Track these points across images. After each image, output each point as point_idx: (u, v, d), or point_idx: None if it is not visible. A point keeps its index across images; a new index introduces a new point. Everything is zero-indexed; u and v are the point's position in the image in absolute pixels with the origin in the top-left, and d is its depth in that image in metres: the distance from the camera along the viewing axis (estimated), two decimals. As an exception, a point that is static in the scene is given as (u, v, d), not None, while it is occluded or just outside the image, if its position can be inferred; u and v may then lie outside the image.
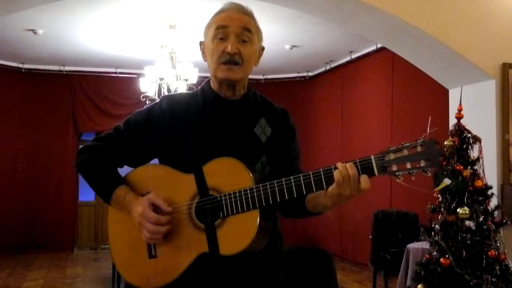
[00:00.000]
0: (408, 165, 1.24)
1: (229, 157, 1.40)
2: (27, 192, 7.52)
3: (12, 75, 7.47)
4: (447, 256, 2.99)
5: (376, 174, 1.26)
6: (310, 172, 1.31)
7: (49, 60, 7.31)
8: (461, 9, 3.78)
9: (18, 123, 7.55)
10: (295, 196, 1.33)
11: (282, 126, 1.58)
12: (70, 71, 7.71)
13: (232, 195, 1.36)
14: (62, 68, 7.66)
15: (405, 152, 1.25)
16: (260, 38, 1.57)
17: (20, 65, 7.51)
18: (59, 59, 7.21)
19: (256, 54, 1.55)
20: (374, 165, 1.26)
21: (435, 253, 3.09)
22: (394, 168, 1.25)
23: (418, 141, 1.24)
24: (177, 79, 5.66)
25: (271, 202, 1.34)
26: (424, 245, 3.31)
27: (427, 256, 3.16)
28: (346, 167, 1.26)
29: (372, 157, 1.26)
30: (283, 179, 1.33)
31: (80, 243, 7.87)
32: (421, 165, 1.24)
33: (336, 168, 1.28)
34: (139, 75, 6.56)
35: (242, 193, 1.35)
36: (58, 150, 7.51)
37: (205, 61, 1.57)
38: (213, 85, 1.56)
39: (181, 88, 5.60)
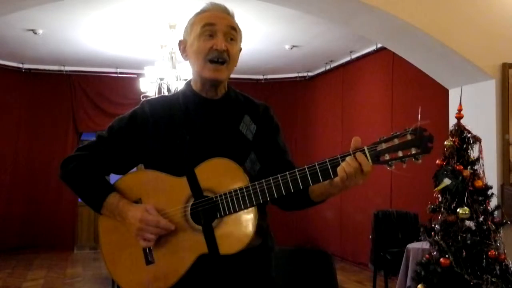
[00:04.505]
0: (400, 154, 1.28)
1: (221, 157, 1.40)
2: (27, 192, 7.53)
3: (12, 75, 7.47)
4: (447, 256, 2.99)
5: (370, 163, 1.29)
6: (306, 167, 1.34)
7: (49, 60, 7.31)
8: (461, 9, 3.78)
9: (18, 123, 7.55)
10: (292, 191, 1.34)
11: (266, 122, 1.58)
12: (70, 71, 7.72)
13: (228, 195, 1.36)
14: (62, 68, 7.66)
15: (396, 141, 1.28)
16: (241, 39, 1.57)
17: (20, 65, 7.51)
18: (59, 59, 7.21)
19: (239, 54, 1.56)
20: (368, 155, 1.29)
21: (435, 253, 3.09)
22: (387, 157, 1.29)
23: (407, 130, 1.28)
24: (177, 79, 5.66)
25: (268, 199, 1.35)
26: (424, 245, 3.31)
27: (427, 256, 3.16)
28: (349, 163, 1.29)
29: (365, 148, 1.30)
30: (278, 175, 1.35)
31: (80, 243, 7.88)
32: (412, 152, 1.27)
33: (331, 161, 1.31)
34: (139, 75, 6.57)
35: (238, 192, 1.36)
36: (58, 150, 7.50)
37: (186, 60, 1.56)
38: (195, 85, 1.55)
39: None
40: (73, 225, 7.77)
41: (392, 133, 1.29)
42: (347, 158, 1.29)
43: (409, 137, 1.28)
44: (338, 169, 1.30)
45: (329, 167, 1.31)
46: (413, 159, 1.27)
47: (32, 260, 6.94)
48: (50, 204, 7.58)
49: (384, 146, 1.28)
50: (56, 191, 7.51)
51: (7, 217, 7.29)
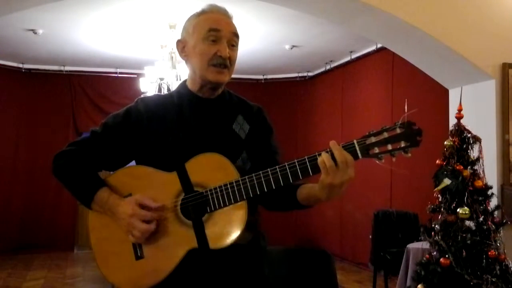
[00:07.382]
0: (389, 147, 1.29)
1: (211, 152, 1.41)
2: (27, 192, 7.53)
3: (12, 75, 7.47)
4: (447, 256, 2.99)
5: (360, 157, 1.30)
6: (296, 160, 1.34)
7: (49, 60, 7.31)
8: (461, 9, 3.78)
9: (18, 123, 7.55)
10: (282, 184, 1.34)
11: (259, 123, 1.60)
12: (70, 71, 7.71)
13: (218, 189, 1.37)
14: (62, 68, 7.66)
15: (385, 134, 1.29)
16: None
17: (20, 65, 7.51)
18: (59, 59, 7.21)
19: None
20: (358, 148, 1.29)
21: (435, 253, 3.10)
22: (376, 150, 1.29)
23: (396, 124, 1.30)
24: (177, 79, 5.66)
25: (258, 193, 1.35)
26: (424, 245, 3.31)
27: (427, 256, 3.16)
28: (329, 157, 1.28)
29: (355, 141, 1.30)
30: (268, 169, 1.35)
31: (80, 243, 7.86)
32: (401, 146, 1.28)
33: (320, 155, 1.30)
34: (139, 75, 6.56)
35: (228, 186, 1.36)
36: (58, 150, 7.47)
37: (185, 59, 1.57)
38: (192, 85, 1.57)
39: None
40: (73, 225, 7.76)
41: (381, 127, 1.31)
42: (331, 145, 1.29)
43: (398, 130, 1.29)
44: (319, 160, 1.29)
45: (317, 158, 1.30)
46: (403, 152, 1.29)
47: (32, 260, 6.94)
48: (50, 204, 7.57)
49: (373, 139, 1.29)
50: (56, 191, 7.50)
51: (7, 217, 7.29)
